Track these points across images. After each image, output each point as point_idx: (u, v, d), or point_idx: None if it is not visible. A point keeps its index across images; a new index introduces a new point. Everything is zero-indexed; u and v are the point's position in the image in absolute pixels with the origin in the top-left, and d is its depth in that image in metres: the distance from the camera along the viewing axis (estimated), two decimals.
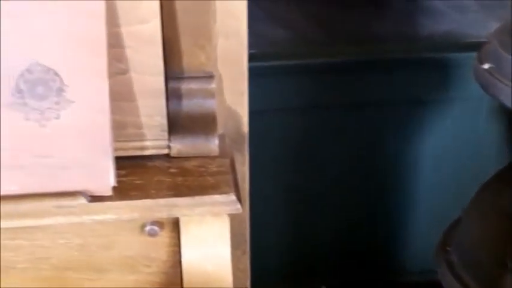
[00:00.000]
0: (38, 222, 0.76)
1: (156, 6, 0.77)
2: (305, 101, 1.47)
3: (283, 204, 1.54)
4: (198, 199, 0.77)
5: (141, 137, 0.82)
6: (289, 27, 1.54)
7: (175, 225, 0.80)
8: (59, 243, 0.80)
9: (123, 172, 0.80)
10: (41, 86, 0.75)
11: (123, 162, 0.80)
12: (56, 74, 0.75)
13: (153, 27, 0.78)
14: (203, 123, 0.84)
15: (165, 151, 0.83)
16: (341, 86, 1.48)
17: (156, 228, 0.79)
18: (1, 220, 0.74)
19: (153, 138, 0.82)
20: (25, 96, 0.75)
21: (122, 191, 0.78)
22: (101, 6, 0.75)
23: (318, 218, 1.56)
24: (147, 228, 0.79)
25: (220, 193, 0.78)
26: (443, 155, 1.57)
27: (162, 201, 0.77)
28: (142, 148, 0.82)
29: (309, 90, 1.47)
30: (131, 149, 0.82)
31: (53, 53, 0.74)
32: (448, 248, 1.22)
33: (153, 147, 0.83)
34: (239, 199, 0.78)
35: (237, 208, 0.78)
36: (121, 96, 0.79)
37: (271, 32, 1.53)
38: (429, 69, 1.51)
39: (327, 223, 1.57)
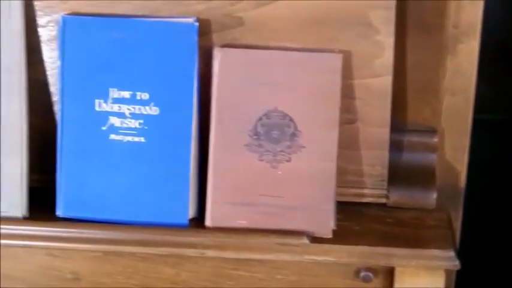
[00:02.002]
0: (262, 256, 0.81)
1: (389, 62, 0.80)
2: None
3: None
4: (416, 251, 0.79)
5: (361, 185, 0.86)
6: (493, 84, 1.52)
7: (388, 273, 0.82)
8: (276, 278, 0.84)
9: (341, 217, 0.84)
10: (277, 130, 0.80)
11: (341, 207, 0.84)
12: (291, 120, 0.80)
13: (385, 81, 0.81)
14: (422, 177, 0.86)
15: (382, 200, 0.86)
16: None
17: (370, 274, 0.81)
18: (229, 251, 0.81)
19: (372, 187, 0.86)
20: (261, 138, 0.81)
21: (340, 235, 0.81)
22: (339, 62, 0.80)
23: None
24: (362, 274, 0.81)
25: (439, 248, 0.79)
26: None
27: (380, 249, 0.80)
28: (361, 195, 0.86)
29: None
30: (350, 195, 0.86)
31: (290, 101, 0.80)
32: None
33: (371, 196, 0.86)
34: (457, 255, 0.78)
35: (455, 264, 0.78)
36: (346, 144, 0.83)
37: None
38: None
39: None
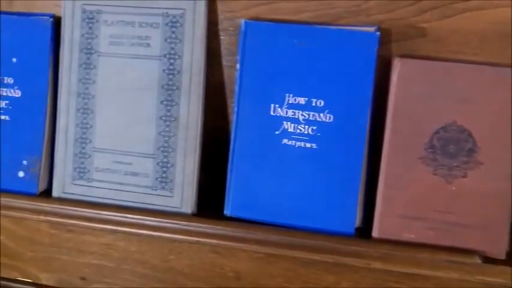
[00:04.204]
0: (431, 272, 0.79)
1: None
2: None
3: None
4: None
5: None
6: None
7: None
8: None
9: None
10: (453, 145, 0.79)
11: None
12: (470, 135, 0.78)
13: None
14: None
15: None
16: None
17: None
18: (397, 264, 0.80)
19: None
20: (437, 152, 0.79)
21: None
22: (508, 74, 0.77)
23: None
24: None
25: None
26: None
27: None
28: None
29: None
30: None
31: (470, 115, 0.78)
32: None
33: None
34: None
35: None
36: None
37: None
38: None
39: None
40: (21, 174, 0.93)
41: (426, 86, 0.79)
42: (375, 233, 0.81)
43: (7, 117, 0.92)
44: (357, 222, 0.83)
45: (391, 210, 0.81)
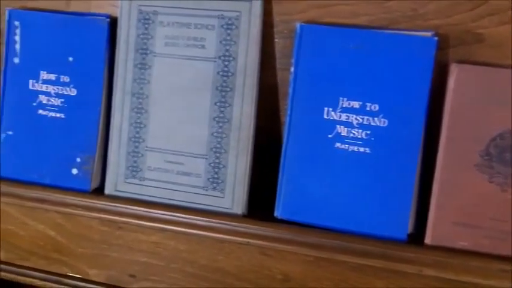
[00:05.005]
0: (484, 281, 0.78)
1: None
2: None
3: None
4: None
5: None
6: None
7: None
8: None
9: None
10: (510, 153, 0.78)
11: None
12: None
13: None
14: None
15: None
16: None
17: None
18: (449, 272, 0.79)
19: None
20: (493, 159, 0.78)
21: None
22: None
23: None
24: None
25: None
26: None
27: None
28: None
29: None
30: None
31: None
32: None
33: None
34: None
35: None
36: None
37: None
38: None
39: None
40: (74, 171, 0.94)
41: (483, 93, 0.78)
42: (428, 240, 0.81)
43: (62, 115, 0.94)
44: (410, 228, 0.83)
45: (444, 217, 0.80)
